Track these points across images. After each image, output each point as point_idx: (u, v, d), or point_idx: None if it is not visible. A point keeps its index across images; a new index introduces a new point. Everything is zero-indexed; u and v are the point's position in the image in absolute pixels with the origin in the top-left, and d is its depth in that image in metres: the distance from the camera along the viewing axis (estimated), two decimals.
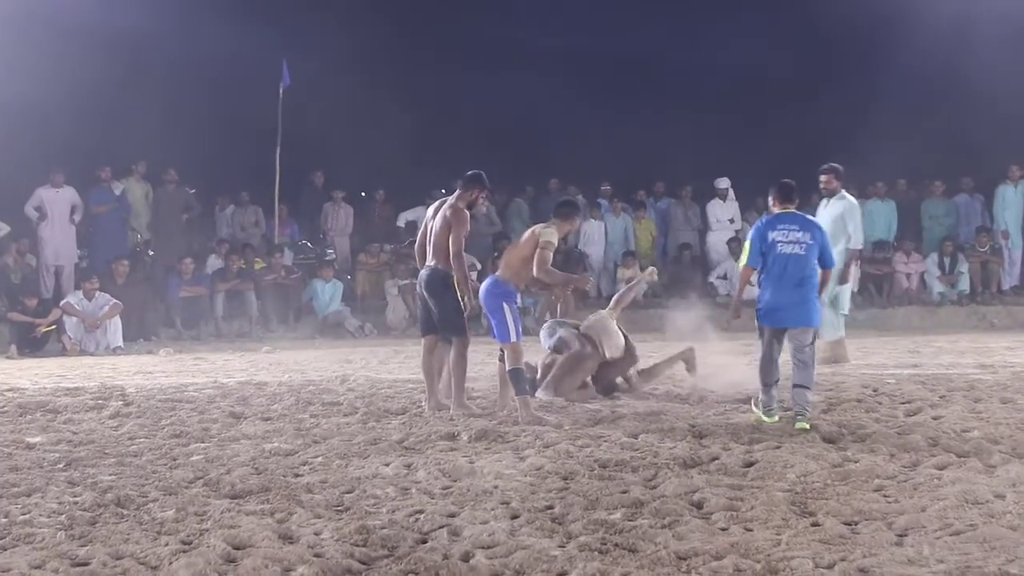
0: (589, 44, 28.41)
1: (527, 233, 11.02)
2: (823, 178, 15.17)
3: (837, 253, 12.81)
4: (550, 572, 5.73)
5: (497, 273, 10.78)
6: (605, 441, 9.15)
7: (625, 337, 12.30)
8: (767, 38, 26.78)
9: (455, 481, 7.86)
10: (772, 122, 26.30)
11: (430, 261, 11.10)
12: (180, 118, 23.44)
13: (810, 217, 11.19)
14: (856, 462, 8.28)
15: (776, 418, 10.21)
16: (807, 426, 9.85)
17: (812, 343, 10.58)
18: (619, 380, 12.46)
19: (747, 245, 10.66)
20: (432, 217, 11.27)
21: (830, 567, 5.73)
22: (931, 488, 7.42)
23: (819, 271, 10.52)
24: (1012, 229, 23.72)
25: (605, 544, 6.18)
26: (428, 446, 9.24)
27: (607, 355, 12.08)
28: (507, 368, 10.58)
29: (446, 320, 11.09)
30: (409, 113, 26.85)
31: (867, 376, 13.29)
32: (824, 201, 15.27)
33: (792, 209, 10.65)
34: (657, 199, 25.34)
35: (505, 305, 10.57)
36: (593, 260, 23.93)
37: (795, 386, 10.32)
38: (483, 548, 6.18)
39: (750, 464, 8.29)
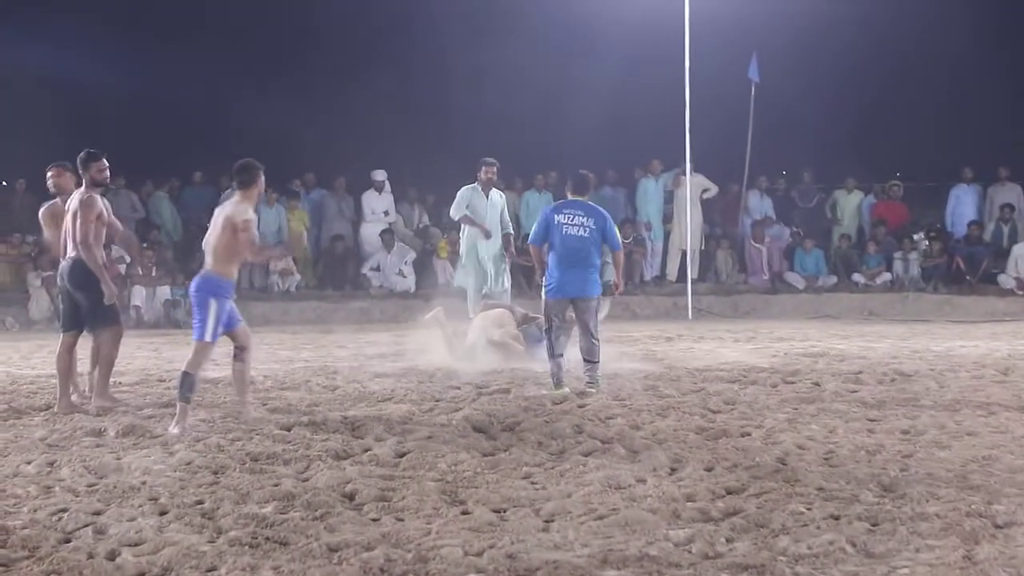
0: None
1: (219, 219, 9.79)
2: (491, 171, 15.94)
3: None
4: (199, 568, 5.63)
5: (206, 267, 9.77)
6: (257, 434, 9.05)
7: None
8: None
9: (101, 478, 7.65)
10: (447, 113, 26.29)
11: (71, 252, 10.49)
12: None
13: (597, 206, 11.69)
14: (505, 451, 8.45)
15: (565, 391, 10.82)
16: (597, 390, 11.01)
17: (596, 311, 11.49)
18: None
19: (535, 226, 11.70)
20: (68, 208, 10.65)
21: (479, 554, 5.80)
22: (576, 475, 7.62)
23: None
24: (654, 221, 24.41)
25: (256, 538, 6.11)
26: (73, 443, 8.95)
27: None
28: (183, 368, 9.66)
29: (96, 310, 10.56)
30: (57, 102, 26.31)
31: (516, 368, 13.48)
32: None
33: (582, 199, 11.48)
34: (310, 190, 25.01)
35: (213, 300, 9.56)
36: None
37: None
38: (130, 546, 6.03)
39: (402, 455, 8.34)
